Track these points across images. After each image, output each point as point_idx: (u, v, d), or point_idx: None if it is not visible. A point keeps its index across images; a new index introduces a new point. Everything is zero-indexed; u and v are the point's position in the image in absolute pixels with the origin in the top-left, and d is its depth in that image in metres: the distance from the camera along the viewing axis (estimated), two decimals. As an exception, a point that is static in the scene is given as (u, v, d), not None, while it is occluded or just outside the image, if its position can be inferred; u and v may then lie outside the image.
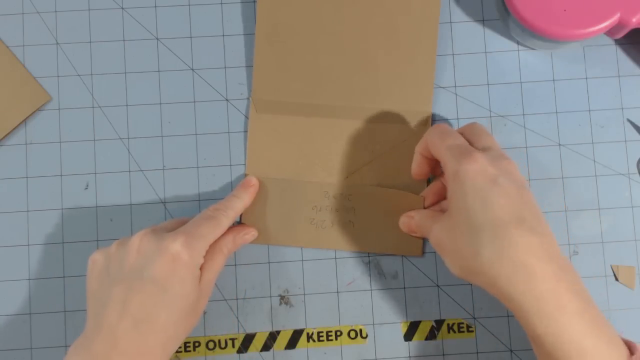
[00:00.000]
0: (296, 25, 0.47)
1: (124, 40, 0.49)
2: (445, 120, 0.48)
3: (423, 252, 0.47)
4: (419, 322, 0.47)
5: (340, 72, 0.47)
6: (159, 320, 0.38)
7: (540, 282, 0.35)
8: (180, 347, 0.46)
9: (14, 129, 0.47)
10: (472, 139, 0.41)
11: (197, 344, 0.47)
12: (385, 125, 0.47)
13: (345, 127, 0.47)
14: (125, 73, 0.48)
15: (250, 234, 0.45)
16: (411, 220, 0.44)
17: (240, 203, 0.45)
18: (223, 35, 0.49)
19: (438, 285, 0.47)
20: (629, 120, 0.48)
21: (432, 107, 0.47)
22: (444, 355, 0.46)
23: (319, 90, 0.47)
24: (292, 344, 0.47)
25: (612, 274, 0.47)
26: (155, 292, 0.38)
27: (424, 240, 0.47)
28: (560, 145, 0.48)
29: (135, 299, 0.38)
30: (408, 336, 0.46)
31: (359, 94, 0.47)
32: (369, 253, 0.47)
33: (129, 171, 0.48)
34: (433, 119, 0.48)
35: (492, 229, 0.36)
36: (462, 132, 0.42)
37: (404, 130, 0.47)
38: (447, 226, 0.39)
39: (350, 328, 0.47)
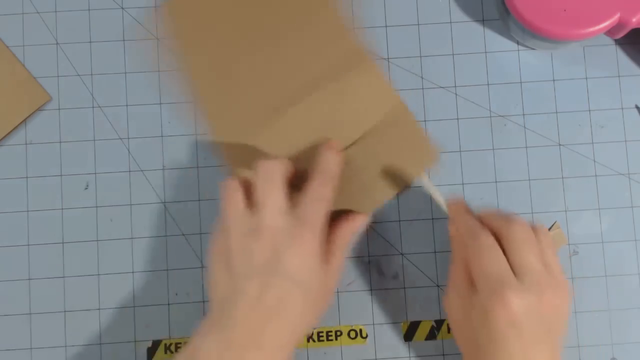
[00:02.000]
0: (221, 60, 0.47)
1: (124, 40, 0.49)
2: (445, 121, 0.48)
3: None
4: (419, 322, 0.47)
5: (279, 88, 0.46)
6: (293, 312, 0.37)
7: None
8: (180, 347, 0.46)
9: (14, 129, 0.47)
10: (515, 251, 0.39)
11: (197, 344, 0.47)
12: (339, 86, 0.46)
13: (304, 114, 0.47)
14: (125, 73, 0.48)
15: (361, 219, 0.44)
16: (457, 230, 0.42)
17: (336, 167, 0.43)
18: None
19: (438, 285, 0.47)
20: (636, 107, 0.48)
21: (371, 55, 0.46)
22: (444, 355, 0.46)
23: (269, 112, 0.46)
24: (292, 344, 0.47)
25: (612, 274, 0.47)
26: (290, 287, 0.38)
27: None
28: (560, 145, 0.48)
29: (270, 293, 0.37)
30: (408, 336, 0.46)
31: (304, 84, 0.46)
32: (368, 254, 0.47)
33: (129, 171, 0.48)
34: (426, 121, 0.48)
35: None
36: (505, 237, 0.39)
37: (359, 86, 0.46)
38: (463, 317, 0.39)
39: (350, 328, 0.47)
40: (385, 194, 0.46)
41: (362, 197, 0.46)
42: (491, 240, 0.39)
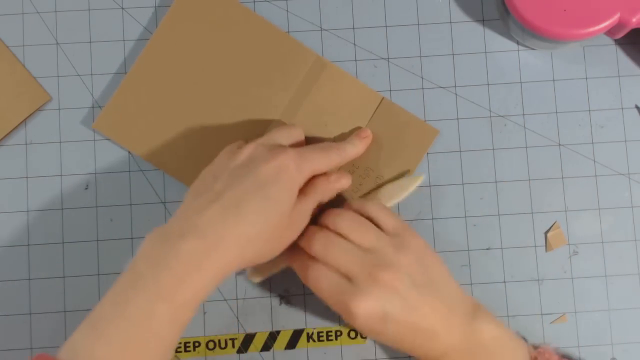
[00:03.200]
0: (170, 69, 0.47)
1: (124, 40, 0.49)
2: (445, 121, 0.48)
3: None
4: (419, 322, 0.47)
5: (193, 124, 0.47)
6: (247, 213, 0.37)
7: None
8: (180, 347, 0.46)
9: (14, 129, 0.47)
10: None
11: (197, 344, 0.47)
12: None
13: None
14: (125, 73, 0.48)
15: (345, 178, 0.44)
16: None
17: (353, 149, 0.44)
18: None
19: (438, 285, 0.47)
20: (636, 107, 0.48)
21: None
22: (444, 355, 0.46)
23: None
24: (292, 344, 0.47)
25: (612, 274, 0.47)
26: (251, 188, 0.38)
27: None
28: (560, 145, 0.48)
29: (229, 189, 0.38)
30: (408, 336, 0.46)
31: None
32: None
33: (129, 171, 0.48)
34: (426, 121, 0.48)
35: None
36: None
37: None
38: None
39: (351, 328, 0.47)
40: (401, 188, 0.46)
41: (376, 195, 0.46)
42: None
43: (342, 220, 0.41)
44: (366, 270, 0.39)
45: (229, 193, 0.38)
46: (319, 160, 0.41)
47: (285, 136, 0.43)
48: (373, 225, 0.41)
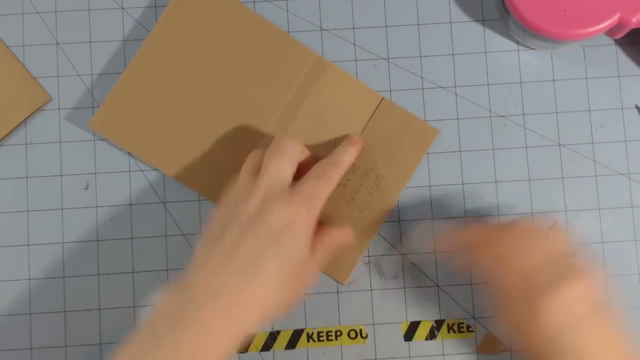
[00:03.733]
0: (167, 68, 0.46)
1: (124, 40, 0.49)
2: (445, 121, 0.48)
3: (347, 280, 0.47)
4: (419, 322, 0.47)
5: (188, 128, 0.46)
6: (264, 268, 0.37)
7: None
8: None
9: (14, 129, 0.47)
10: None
11: (197, 344, 0.47)
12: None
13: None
14: (125, 73, 0.48)
15: (348, 232, 0.43)
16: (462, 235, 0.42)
17: (348, 157, 0.43)
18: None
19: (438, 285, 0.47)
20: (636, 107, 0.48)
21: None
22: (444, 355, 0.46)
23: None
24: (292, 344, 0.47)
25: (612, 274, 0.47)
26: (266, 243, 0.37)
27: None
28: (560, 145, 0.48)
29: (243, 245, 0.37)
30: (408, 336, 0.46)
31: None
32: (368, 254, 0.47)
33: (129, 171, 0.48)
34: (426, 121, 0.48)
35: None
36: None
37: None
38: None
39: (350, 328, 0.47)
40: (398, 184, 0.46)
41: (378, 196, 0.46)
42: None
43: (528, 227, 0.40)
44: (562, 270, 0.37)
45: (243, 250, 0.37)
46: (324, 190, 0.40)
47: (288, 162, 0.41)
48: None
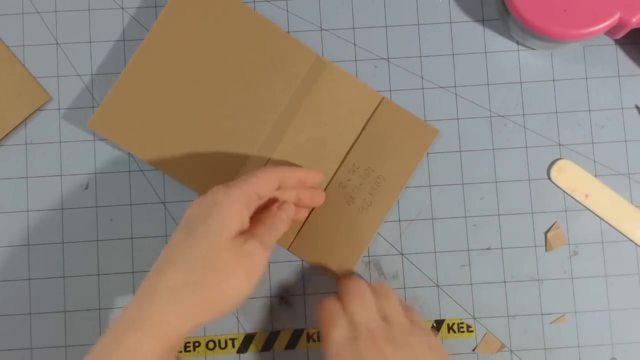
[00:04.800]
0: (165, 69, 0.46)
1: (124, 40, 0.49)
2: (445, 121, 0.48)
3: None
4: (419, 322, 0.47)
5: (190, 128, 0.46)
6: (175, 255, 0.37)
7: None
8: (180, 347, 0.46)
9: (14, 129, 0.47)
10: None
11: (197, 344, 0.47)
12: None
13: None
14: (125, 73, 0.48)
15: (288, 205, 0.42)
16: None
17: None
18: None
19: (438, 285, 0.47)
20: (636, 107, 0.48)
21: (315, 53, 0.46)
22: (444, 355, 0.46)
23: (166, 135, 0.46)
24: (292, 344, 0.47)
25: (612, 274, 0.47)
26: (180, 234, 0.38)
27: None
28: (560, 145, 0.48)
29: (170, 241, 0.38)
30: (408, 336, 0.46)
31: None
32: (368, 254, 0.47)
33: (129, 171, 0.48)
34: (426, 121, 0.48)
35: None
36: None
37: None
38: None
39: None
40: (398, 184, 0.47)
41: (378, 196, 0.46)
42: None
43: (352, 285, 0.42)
44: (373, 336, 0.39)
45: (167, 247, 0.38)
46: (258, 178, 0.39)
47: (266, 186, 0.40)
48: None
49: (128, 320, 0.35)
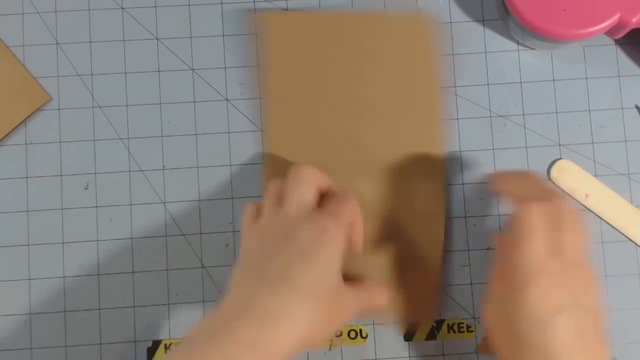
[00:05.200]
0: (303, 87, 0.47)
1: (124, 40, 0.49)
2: (445, 121, 0.48)
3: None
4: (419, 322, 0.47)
5: (349, 127, 0.47)
6: (294, 281, 0.36)
7: None
8: (180, 347, 0.46)
9: (14, 129, 0.47)
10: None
11: (197, 344, 0.47)
12: (397, 179, 0.46)
13: (360, 185, 0.46)
14: (125, 73, 0.48)
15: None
16: None
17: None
18: (223, 35, 0.49)
19: (438, 285, 0.47)
20: (636, 107, 0.48)
21: (443, 148, 0.47)
22: (444, 355, 0.46)
23: (330, 149, 0.47)
24: (292, 344, 0.46)
25: (612, 274, 0.47)
26: (296, 254, 0.37)
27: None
28: (560, 145, 0.48)
29: (275, 260, 0.37)
30: (408, 336, 0.46)
31: (369, 145, 0.47)
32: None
33: (129, 171, 0.48)
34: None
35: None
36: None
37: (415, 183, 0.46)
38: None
39: (350, 328, 0.47)
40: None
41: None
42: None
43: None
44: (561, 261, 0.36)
45: (274, 266, 0.37)
46: (348, 207, 0.40)
47: (308, 188, 0.40)
48: None
49: (245, 343, 0.35)
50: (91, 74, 0.48)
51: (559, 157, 0.48)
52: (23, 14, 0.49)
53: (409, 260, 0.45)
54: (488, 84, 0.48)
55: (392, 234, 0.46)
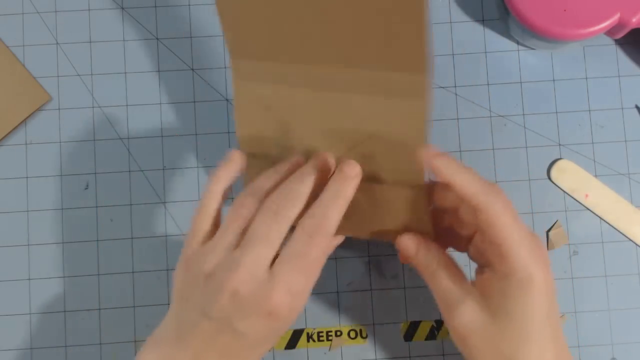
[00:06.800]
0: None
1: (124, 40, 0.49)
2: (445, 121, 0.48)
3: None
4: (419, 322, 0.47)
5: (324, 26, 0.36)
6: (244, 348, 0.35)
7: None
8: None
9: (14, 129, 0.47)
10: None
11: (197, 344, 0.47)
12: (373, 98, 0.37)
13: (331, 100, 0.38)
14: (125, 73, 0.48)
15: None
16: (414, 255, 0.38)
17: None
18: (223, 35, 0.49)
19: (438, 285, 0.47)
20: (636, 107, 0.48)
21: (428, 76, 0.37)
22: (444, 355, 0.46)
23: (301, 46, 0.37)
24: (292, 344, 0.47)
25: (612, 274, 0.47)
26: (244, 345, 0.35)
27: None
28: (560, 145, 0.48)
29: (222, 340, 0.34)
30: (408, 336, 0.46)
31: (344, 53, 0.37)
32: (368, 254, 0.47)
33: (129, 171, 0.48)
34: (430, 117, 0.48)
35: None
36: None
37: (393, 107, 0.38)
38: (483, 323, 0.35)
39: (350, 328, 0.47)
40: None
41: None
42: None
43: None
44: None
45: (220, 344, 0.35)
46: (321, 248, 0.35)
47: (280, 237, 0.35)
48: None
49: None
50: (91, 74, 0.48)
51: (559, 157, 0.48)
52: (23, 14, 0.49)
53: (390, 184, 0.39)
54: (488, 84, 0.48)
55: (366, 159, 0.39)
